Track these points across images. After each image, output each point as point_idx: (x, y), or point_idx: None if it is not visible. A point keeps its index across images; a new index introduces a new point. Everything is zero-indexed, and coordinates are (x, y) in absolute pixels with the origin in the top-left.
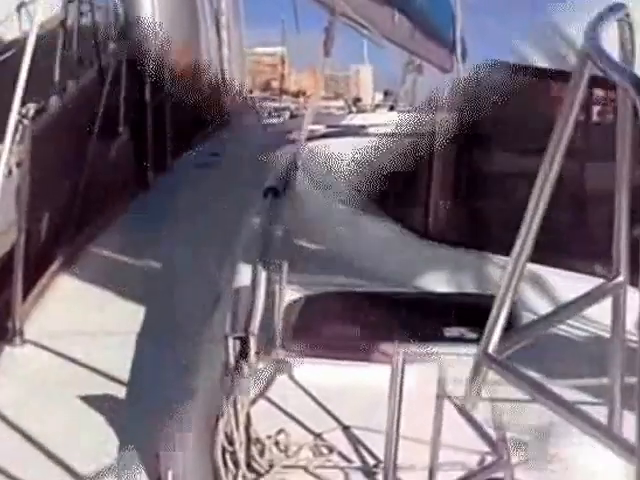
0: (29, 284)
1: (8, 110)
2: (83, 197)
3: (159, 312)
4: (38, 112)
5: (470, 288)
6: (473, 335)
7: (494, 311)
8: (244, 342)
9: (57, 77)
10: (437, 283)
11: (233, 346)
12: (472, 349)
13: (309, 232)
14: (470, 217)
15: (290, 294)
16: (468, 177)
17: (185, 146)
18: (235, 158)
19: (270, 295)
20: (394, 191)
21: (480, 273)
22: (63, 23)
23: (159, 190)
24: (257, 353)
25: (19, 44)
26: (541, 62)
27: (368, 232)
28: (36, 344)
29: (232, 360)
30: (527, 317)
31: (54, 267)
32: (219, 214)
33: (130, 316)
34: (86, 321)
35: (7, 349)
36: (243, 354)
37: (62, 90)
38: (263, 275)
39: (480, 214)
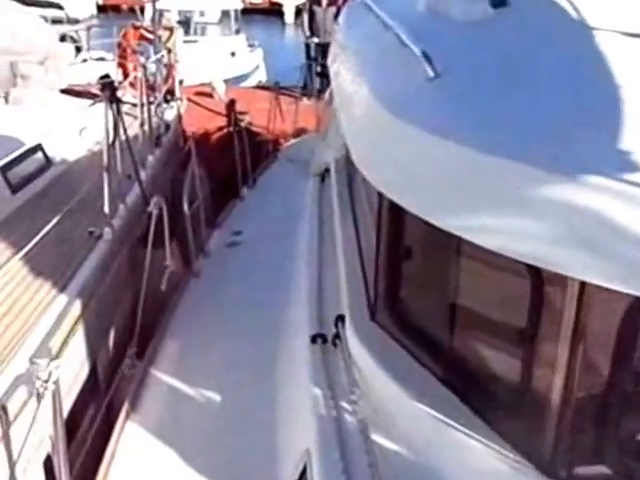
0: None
1: None
2: (143, 311)
3: None
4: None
5: None
6: None
7: None
8: None
9: (107, 209)
10: None
11: None
12: None
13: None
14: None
15: None
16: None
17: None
18: (256, 233)
19: None
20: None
21: None
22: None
23: (207, 275)
24: None
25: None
26: None
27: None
28: None
29: None
30: None
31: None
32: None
33: None
34: None
35: None
36: None
37: (112, 218)
38: None
39: None
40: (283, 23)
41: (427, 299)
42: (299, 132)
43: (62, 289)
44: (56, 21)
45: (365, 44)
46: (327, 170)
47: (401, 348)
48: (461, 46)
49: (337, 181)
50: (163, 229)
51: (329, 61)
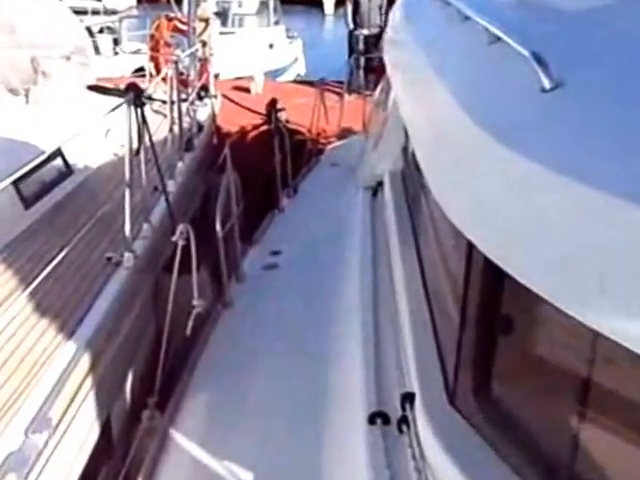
0: None
1: None
2: (167, 352)
3: None
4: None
5: None
6: None
7: None
8: None
9: (128, 231)
10: None
11: None
12: None
13: None
14: None
15: None
16: None
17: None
18: (297, 254)
19: None
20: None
21: None
22: (131, 156)
23: (240, 306)
24: None
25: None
26: None
27: None
28: None
29: None
30: None
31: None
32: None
33: None
34: None
35: None
36: None
37: (133, 240)
38: None
39: None
40: (323, 14)
41: (532, 388)
42: (344, 133)
43: (72, 331)
44: (95, 12)
45: (436, 40)
46: (380, 184)
47: (491, 448)
48: (573, 45)
49: (394, 200)
50: (190, 258)
51: (385, 58)
